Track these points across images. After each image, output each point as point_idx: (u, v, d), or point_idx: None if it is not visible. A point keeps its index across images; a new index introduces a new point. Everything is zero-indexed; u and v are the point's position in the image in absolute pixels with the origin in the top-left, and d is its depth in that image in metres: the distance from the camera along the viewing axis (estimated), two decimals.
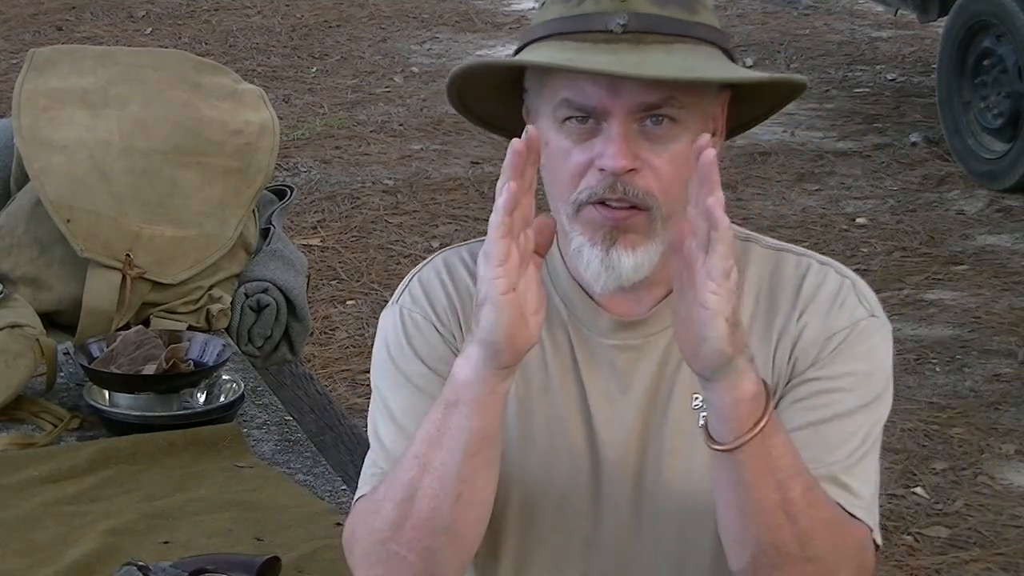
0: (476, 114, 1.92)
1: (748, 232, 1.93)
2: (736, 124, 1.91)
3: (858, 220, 6.31)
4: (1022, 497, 4.36)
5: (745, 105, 1.88)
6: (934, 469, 4.48)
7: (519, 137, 1.89)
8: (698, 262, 1.61)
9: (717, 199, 1.59)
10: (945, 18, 6.99)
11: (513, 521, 1.89)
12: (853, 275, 1.91)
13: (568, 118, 1.77)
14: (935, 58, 7.24)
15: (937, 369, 5.07)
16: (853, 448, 1.80)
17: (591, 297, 1.87)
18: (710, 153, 1.60)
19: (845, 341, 1.83)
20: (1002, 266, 5.89)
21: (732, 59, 1.82)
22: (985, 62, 6.70)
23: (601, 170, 1.75)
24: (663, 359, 1.86)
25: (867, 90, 8.02)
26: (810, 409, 1.81)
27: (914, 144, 7.14)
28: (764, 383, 1.69)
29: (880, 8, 8.39)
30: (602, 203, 1.76)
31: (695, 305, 1.62)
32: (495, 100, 1.88)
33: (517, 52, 1.83)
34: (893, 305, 5.41)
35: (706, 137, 1.62)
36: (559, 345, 1.88)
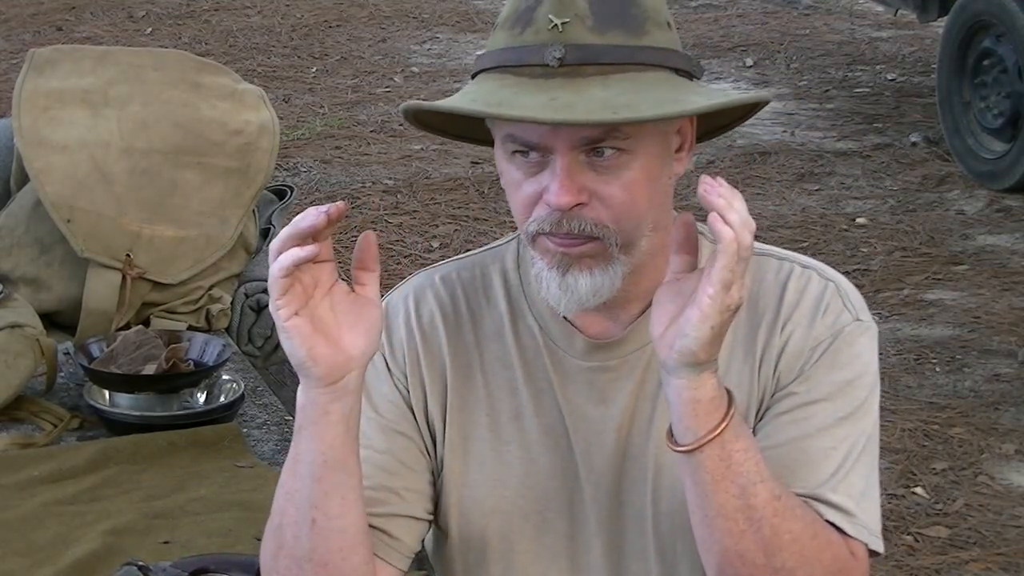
0: (434, 127, 1.89)
1: None
2: (712, 127, 1.87)
3: (858, 220, 6.31)
4: (1022, 497, 4.36)
5: (716, 113, 1.83)
6: (934, 469, 4.48)
7: (484, 141, 1.87)
8: (706, 270, 1.62)
9: (719, 215, 1.60)
10: (945, 18, 6.99)
11: (495, 551, 1.89)
12: (837, 276, 1.87)
13: (515, 151, 1.75)
14: (935, 58, 7.24)
15: (937, 369, 5.07)
16: (838, 463, 1.78)
17: (565, 318, 1.85)
18: (700, 189, 1.62)
19: (829, 349, 1.81)
20: (1002, 266, 5.89)
21: (691, 74, 1.77)
22: (985, 62, 6.70)
23: (548, 204, 1.73)
24: (643, 377, 1.85)
25: (867, 90, 8.02)
26: (792, 423, 1.79)
27: (914, 144, 7.15)
28: (728, 393, 1.69)
29: (880, 8, 8.39)
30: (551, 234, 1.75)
31: (691, 304, 1.63)
32: (458, 117, 1.84)
33: (474, 76, 1.80)
34: (893, 305, 5.41)
35: (703, 183, 1.62)
36: (533, 368, 1.87)
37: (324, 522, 1.75)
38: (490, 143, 1.87)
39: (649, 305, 1.81)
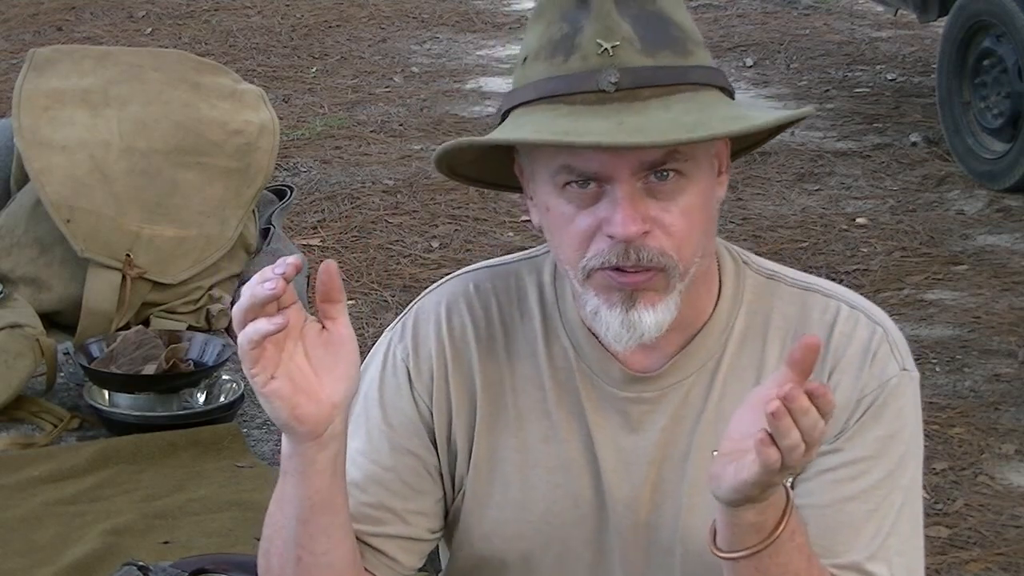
0: (465, 176, 1.84)
1: (774, 269, 1.86)
2: (737, 148, 1.84)
3: (858, 220, 6.31)
4: (1022, 497, 4.36)
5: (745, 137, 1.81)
6: (934, 469, 4.48)
7: (514, 190, 1.83)
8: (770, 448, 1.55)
9: (773, 436, 1.54)
10: (945, 18, 6.98)
11: (514, 574, 1.86)
12: (884, 319, 1.82)
13: (568, 183, 1.70)
14: (935, 58, 7.23)
15: (937, 369, 5.07)
16: (877, 526, 1.76)
17: (603, 345, 1.80)
18: (814, 341, 1.55)
19: (875, 404, 1.77)
20: (1002, 266, 5.88)
21: (731, 94, 1.75)
22: (985, 62, 6.70)
23: (611, 236, 1.68)
24: (677, 412, 1.81)
25: (867, 90, 8.02)
26: (836, 483, 1.76)
27: (914, 144, 7.14)
28: (786, 507, 1.63)
29: (880, 8, 8.39)
30: (615, 269, 1.70)
31: (752, 465, 1.57)
32: (484, 161, 1.81)
33: (503, 116, 1.75)
34: (893, 305, 5.41)
35: (816, 339, 1.55)
36: (565, 391, 1.82)
37: (310, 559, 1.74)
38: (519, 189, 1.83)
39: (692, 337, 1.79)
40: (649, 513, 1.81)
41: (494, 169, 1.83)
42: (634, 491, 1.81)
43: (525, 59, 1.73)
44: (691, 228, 1.70)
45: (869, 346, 1.79)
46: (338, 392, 1.66)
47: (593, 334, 1.81)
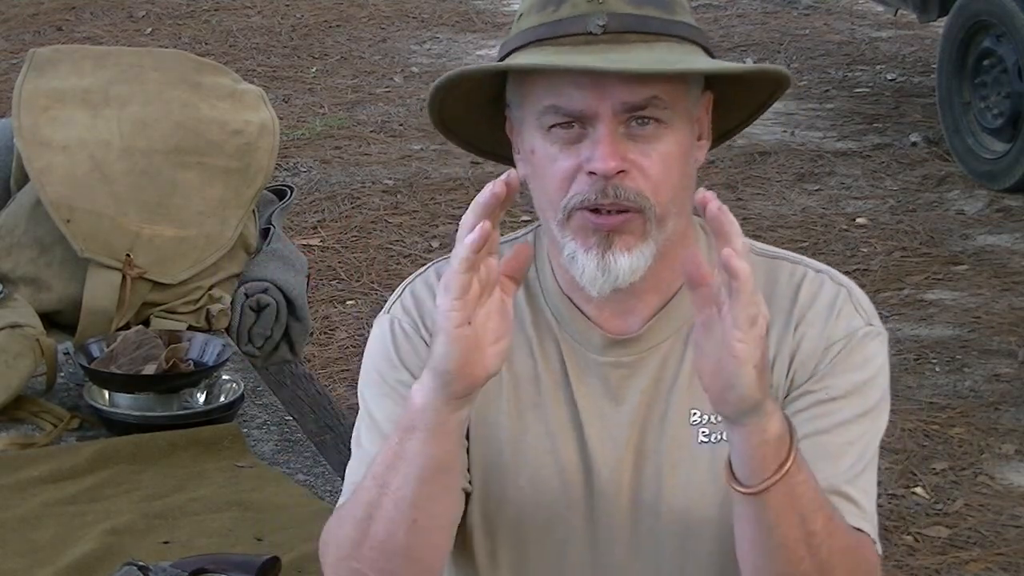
0: (460, 136, 1.91)
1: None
2: (721, 131, 1.90)
3: (858, 220, 6.31)
4: (1022, 497, 4.36)
5: (728, 108, 1.88)
6: (934, 469, 4.48)
7: (503, 159, 1.89)
8: (724, 306, 1.59)
9: (733, 250, 1.56)
10: (945, 18, 6.99)
11: (507, 540, 1.89)
12: (848, 282, 1.89)
13: (553, 125, 1.76)
14: (935, 58, 7.24)
15: (937, 369, 5.07)
16: (855, 459, 1.80)
17: (583, 312, 1.86)
18: (713, 206, 1.57)
19: (843, 351, 1.82)
20: (1002, 266, 5.89)
21: (713, 57, 1.82)
22: (985, 62, 6.70)
23: (590, 174, 1.74)
24: (657, 375, 1.85)
25: (867, 90, 8.02)
26: (810, 419, 1.80)
27: (914, 144, 7.14)
28: (788, 422, 1.67)
29: (880, 8, 8.39)
30: (594, 210, 1.75)
31: (724, 352, 1.59)
32: (476, 119, 1.88)
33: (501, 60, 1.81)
34: (893, 305, 5.41)
35: (703, 192, 1.59)
36: (550, 360, 1.87)
37: (426, 521, 1.75)
38: (510, 161, 1.87)
39: (668, 300, 1.84)
40: (633, 476, 1.85)
41: (485, 132, 1.89)
42: (617, 455, 1.85)
43: (519, 16, 1.81)
44: (668, 174, 1.76)
45: (834, 303, 1.85)
46: (494, 364, 1.68)
47: (573, 303, 1.86)
